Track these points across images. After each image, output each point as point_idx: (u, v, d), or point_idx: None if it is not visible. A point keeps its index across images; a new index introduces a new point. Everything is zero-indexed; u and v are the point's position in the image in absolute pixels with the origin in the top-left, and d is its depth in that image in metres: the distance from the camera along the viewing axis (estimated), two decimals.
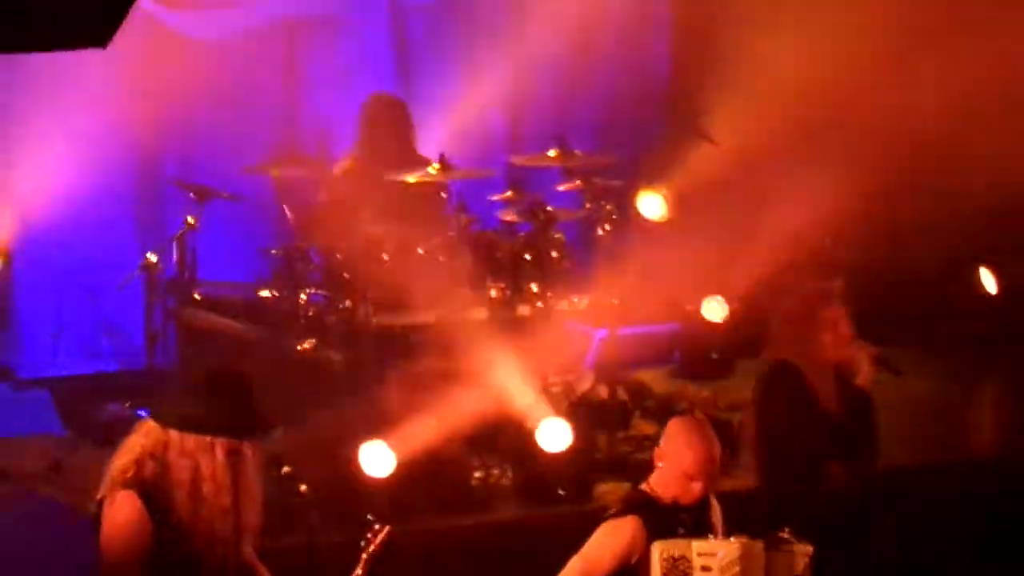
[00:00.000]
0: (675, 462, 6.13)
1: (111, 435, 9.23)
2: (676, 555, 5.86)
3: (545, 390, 8.99)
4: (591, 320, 9.82)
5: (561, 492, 8.48)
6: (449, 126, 10.50)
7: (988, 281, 10.26)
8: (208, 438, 5.48)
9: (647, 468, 8.69)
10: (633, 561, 6.01)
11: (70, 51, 5.33)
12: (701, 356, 10.34)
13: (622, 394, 9.44)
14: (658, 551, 5.88)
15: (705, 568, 5.85)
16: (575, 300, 9.42)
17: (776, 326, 7.38)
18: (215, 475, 5.50)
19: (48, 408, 9.78)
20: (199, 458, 5.49)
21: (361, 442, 8.26)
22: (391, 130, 9.80)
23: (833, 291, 7.26)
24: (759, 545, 5.91)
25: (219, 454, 5.50)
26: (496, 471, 8.69)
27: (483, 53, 10.94)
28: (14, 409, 9.78)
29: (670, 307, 10.35)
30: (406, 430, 8.49)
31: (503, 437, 8.81)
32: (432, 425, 8.65)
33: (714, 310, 9.85)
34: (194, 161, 10.50)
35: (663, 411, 9.34)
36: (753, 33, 10.74)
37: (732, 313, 9.84)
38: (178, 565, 5.53)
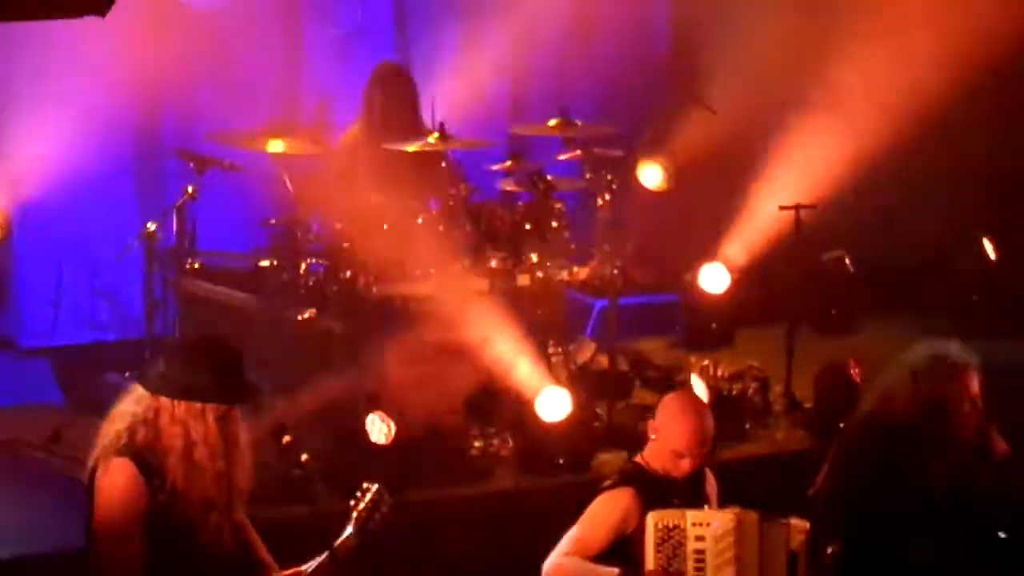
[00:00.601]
0: (666, 438, 6.14)
1: (111, 405, 9.34)
2: (670, 524, 5.88)
3: (545, 360, 9.00)
4: (591, 290, 9.83)
5: (560, 462, 8.48)
6: (449, 96, 10.46)
7: (988, 249, 10.30)
8: (199, 404, 5.51)
9: (646, 439, 8.78)
10: (629, 532, 6.02)
11: (69, 19, 5.31)
12: (702, 326, 10.35)
13: (622, 364, 9.45)
14: (652, 521, 5.90)
15: (699, 538, 5.85)
16: (575, 270, 9.41)
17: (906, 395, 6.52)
18: (207, 440, 5.52)
19: (48, 378, 9.79)
20: (190, 424, 5.52)
21: (361, 412, 8.27)
22: (399, 99, 9.77)
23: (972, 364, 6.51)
24: (754, 516, 5.91)
25: (210, 419, 5.52)
26: (496, 441, 8.70)
27: (483, 22, 10.91)
28: (14, 379, 9.79)
29: (671, 277, 10.37)
30: (406, 400, 8.49)
31: (502, 407, 8.81)
32: (432, 395, 8.66)
33: (714, 279, 9.85)
34: (193, 131, 10.48)
35: (664, 381, 9.36)
36: (751, 4, 10.74)
37: (733, 283, 9.84)
38: (172, 530, 5.55)
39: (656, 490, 6.09)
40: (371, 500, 5.65)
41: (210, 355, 5.59)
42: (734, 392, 9.15)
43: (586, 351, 9.44)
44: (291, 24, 10.95)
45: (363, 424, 8.15)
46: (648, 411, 8.85)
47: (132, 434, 5.54)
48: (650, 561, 5.92)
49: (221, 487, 5.57)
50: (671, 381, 9.31)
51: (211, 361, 5.56)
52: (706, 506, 6.10)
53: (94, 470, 5.57)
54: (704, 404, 6.31)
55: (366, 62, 10.12)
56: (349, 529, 5.65)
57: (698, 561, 5.87)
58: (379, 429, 8.10)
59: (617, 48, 11.42)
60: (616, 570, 5.94)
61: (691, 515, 5.91)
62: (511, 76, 11.27)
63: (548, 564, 6.10)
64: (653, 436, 6.21)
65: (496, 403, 8.81)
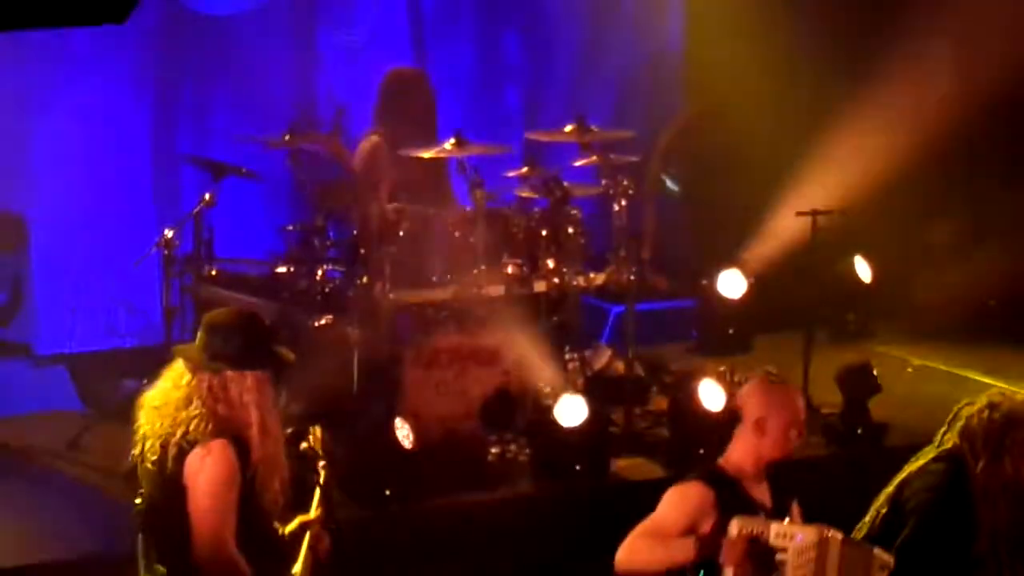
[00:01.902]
0: (776, 419, 6.00)
1: (129, 411, 9.35)
2: (755, 532, 5.80)
3: (561, 366, 9.00)
4: (608, 296, 9.83)
5: (577, 468, 8.47)
6: (465, 101, 10.49)
7: None
8: (263, 373, 5.61)
9: (664, 443, 8.79)
10: (702, 531, 5.96)
11: (88, 27, 5.33)
12: (719, 332, 10.34)
13: (639, 370, 9.44)
14: (737, 527, 5.82)
15: (781, 549, 5.79)
16: (591, 276, 9.41)
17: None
18: (273, 407, 5.65)
19: (65, 384, 9.80)
20: (259, 393, 5.62)
21: (379, 418, 8.27)
22: (415, 106, 9.77)
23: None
24: (838, 536, 5.83)
25: (268, 387, 5.64)
26: (513, 447, 8.69)
27: (499, 28, 10.93)
28: (31, 385, 9.80)
29: (687, 283, 10.36)
30: (422, 406, 8.50)
31: (519, 413, 8.81)
32: (448, 401, 8.66)
33: (731, 285, 9.84)
34: (210, 138, 10.51)
35: (679, 387, 9.34)
36: (764, 8, 10.75)
37: (749, 288, 9.83)
38: (251, 506, 5.59)
39: (732, 492, 5.98)
40: (328, 474, 5.77)
41: (259, 324, 5.73)
42: None
43: (602, 357, 9.44)
44: (306, 31, 10.97)
45: (382, 430, 8.15)
46: (664, 416, 8.92)
47: (214, 414, 5.58)
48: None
49: (281, 450, 5.67)
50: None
51: (262, 329, 5.71)
52: (787, 519, 6.03)
53: (176, 458, 5.55)
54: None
55: (382, 69, 10.13)
56: (318, 511, 5.77)
57: (777, 573, 5.82)
58: (404, 434, 8.11)
59: (632, 53, 11.43)
60: (691, 538, 5.86)
61: (775, 527, 5.81)
62: (527, 82, 11.28)
63: (622, 548, 5.99)
64: (745, 429, 6.03)
65: (513, 409, 8.81)
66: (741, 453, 6.04)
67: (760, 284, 9.89)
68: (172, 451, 5.58)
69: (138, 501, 5.74)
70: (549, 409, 8.50)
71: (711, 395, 8.61)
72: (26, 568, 7.44)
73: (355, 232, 9.10)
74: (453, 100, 10.76)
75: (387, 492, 8.02)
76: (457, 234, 9.17)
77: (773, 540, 5.78)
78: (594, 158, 9.62)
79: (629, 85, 11.42)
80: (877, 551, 5.91)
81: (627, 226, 9.45)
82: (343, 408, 8.38)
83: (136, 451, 5.76)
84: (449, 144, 9.15)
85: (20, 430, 9.11)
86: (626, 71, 11.44)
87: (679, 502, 5.95)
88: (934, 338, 10.43)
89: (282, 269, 9.24)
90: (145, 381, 9.19)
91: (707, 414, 8.52)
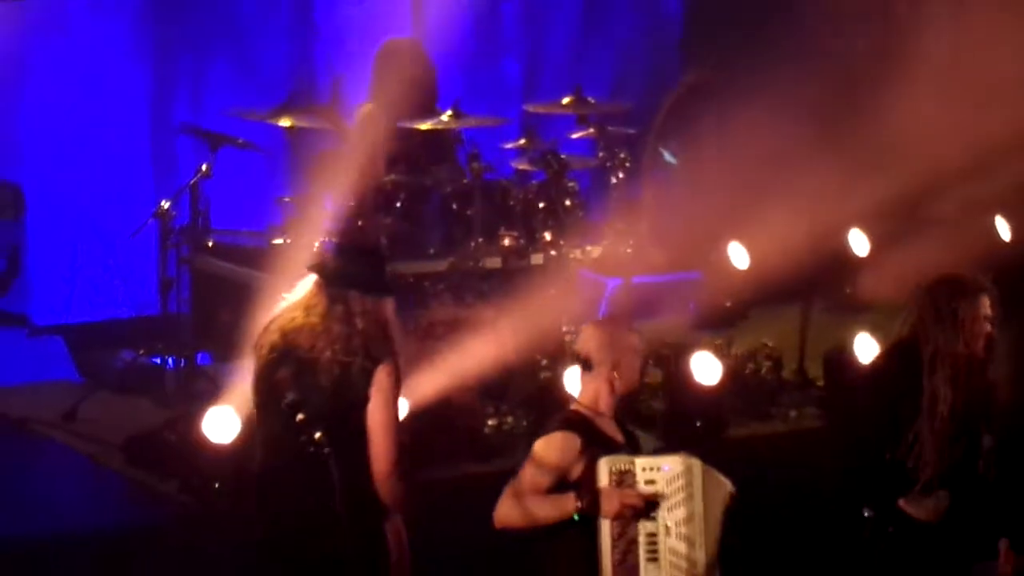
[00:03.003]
0: (620, 360, 6.16)
1: (125, 382, 9.37)
2: (623, 469, 5.95)
3: (558, 339, 9.00)
4: (604, 269, 9.83)
5: None
6: (463, 73, 10.47)
7: (1003, 229, 10.30)
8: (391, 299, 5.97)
9: (659, 416, 8.79)
10: (574, 475, 6.04)
11: None
12: (715, 305, 10.34)
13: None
14: (606, 466, 5.96)
15: (649, 482, 5.93)
16: (588, 249, 9.41)
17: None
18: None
19: (62, 355, 9.80)
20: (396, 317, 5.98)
21: None
22: (412, 76, 9.75)
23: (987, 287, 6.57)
24: (698, 461, 6.00)
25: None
26: (510, 419, 8.70)
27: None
28: (28, 356, 9.80)
29: (684, 256, 10.35)
30: (419, 378, 8.50)
31: (516, 385, 8.81)
32: (445, 373, 8.66)
33: (736, 257, 9.84)
34: (206, 109, 10.49)
35: (676, 360, 9.35)
36: None
37: (752, 261, 9.82)
38: None
39: (595, 437, 6.11)
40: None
41: (376, 249, 6.45)
42: (747, 371, 9.15)
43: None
44: (305, 2, 10.94)
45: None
46: (658, 390, 8.93)
47: (365, 334, 5.83)
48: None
49: None
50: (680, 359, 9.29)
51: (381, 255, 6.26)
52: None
53: (359, 373, 5.78)
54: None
55: (380, 39, 10.11)
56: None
57: (651, 503, 5.93)
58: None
59: (631, 25, 11.41)
60: (571, 495, 5.96)
61: (640, 461, 5.98)
62: (525, 53, 11.26)
63: (499, 504, 6.13)
64: (591, 371, 6.19)
65: (510, 381, 8.81)
66: (592, 395, 6.17)
67: (760, 257, 9.89)
68: (355, 367, 5.80)
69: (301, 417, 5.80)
70: (545, 381, 8.51)
71: (707, 368, 8.62)
72: (18, 540, 7.44)
73: (351, 203, 9.10)
74: (451, 72, 10.73)
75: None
76: (454, 206, 9.16)
77: (641, 474, 5.93)
78: (592, 130, 9.61)
79: (627, 57, 11.41)
80: (725, 479, 6.06)
81: (624, 198, 9.45)
82: None
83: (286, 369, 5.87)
84: (446, 116, 9.14)
85: (17, 400, 9.11)
86: (624, 43, 11.42)
87: (547, 453, 6.06)
88: None
89: (278, 240, 9.24)
90: (141, 352, 9.30)
91: (702, 387, 8.53)
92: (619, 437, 6.18)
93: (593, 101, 9.58)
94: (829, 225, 9.60)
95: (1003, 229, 10.32)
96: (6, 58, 9.96)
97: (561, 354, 8.73)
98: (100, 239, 10.35)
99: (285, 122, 9.38)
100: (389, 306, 5.92)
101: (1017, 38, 10.24)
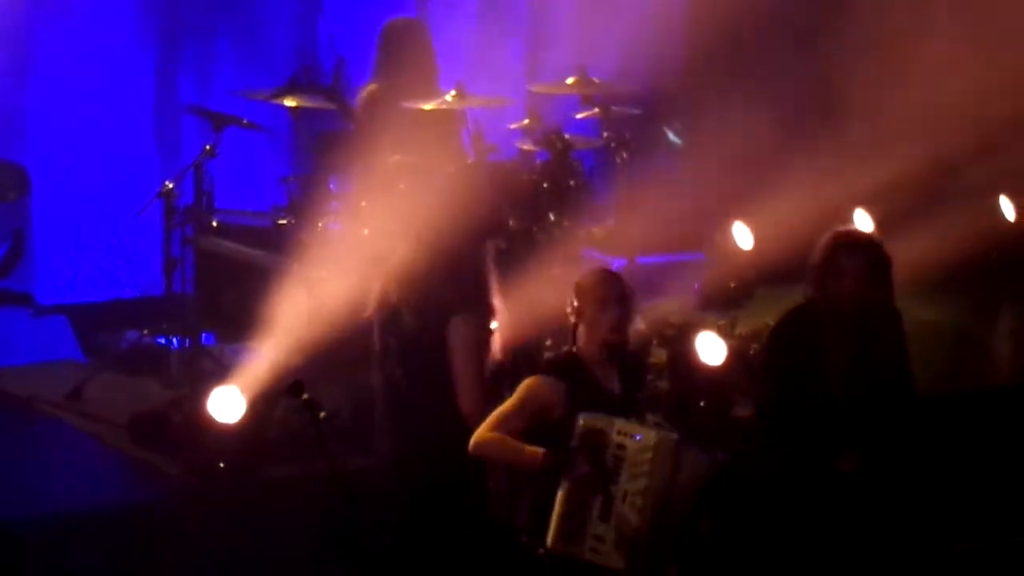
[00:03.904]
0: (608, 304, 6.37)
1: (130, 362, 9.38)
2: (597, 427, 6.02)
3: (562, 319, 8.98)
4: (609, 249, 9.82)
5: None
6: (467, 53, 10.45)
7: (1007, 209, 10.29)
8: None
9: (664, 396, 8.79)
10: (553, 419, 6.19)
11: None
12: (720, 285, 10.32)
13: (640, 323, 9.43)
14: (582, 420, 6.04)
15: (620, 446, 6.00)
16: (593, 229, 9.40)
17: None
18: None
19: (67, 334, 9.82)
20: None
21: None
22: (416, 56, 9.73)
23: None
24: (674, 438, 6.06)
25: None
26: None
27: None
28: (33, 335, 9.82)
29: (689, 236, 10.35)
30: None
31: (520, 365, 8.80)
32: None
33: (741, 237, 9.84)
34: (211, 89, 10.49)
35: (680, 339, 9.34)
36: None
37: (757, 242, 9.81)
38: None
39: (586, 384, 6.30)
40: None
41: None
42: (751, 351, 9.15)
43: None
44: None
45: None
46: (663, 370, 8.92)
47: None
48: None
49: None
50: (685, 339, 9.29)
51: None
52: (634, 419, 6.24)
53: (441, 325, 6.56)
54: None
55: (384, 19, 10.09)
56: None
57: (616, 467, 6.01)
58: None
59: (636, 5, 11.38)
60: (541, 451, 6.06)
61: (618, 424, 6.07)
62: (529, 33, 11.24)
63: (478, 432, 6.23)
64: (585, 319, 6.43)
65: (513, 361, 8.79)
66: (586, 340, 6.40)
67: (765, 237, 9.88)
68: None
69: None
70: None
71: (711, 348, 8.63)
72: (23, 521, 7.46)
73: (355, 184, 9.09)
74: (455, 52, 10.72)
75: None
76: (459, 186, 9.14)
77: (615, 436, 6.04)
78: (596, 110, 9.59)
79: (632, 37, 11.38)
80: (706, 460, 6.11)
81: (629, 179, 9.44)
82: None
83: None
84: (450, 96, 9.13)
85: (21, 380, 9.13)
86: (629, 23, 11.39)
87: (531, 395, 6.28)
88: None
89: (283, 221, 9.24)
90: (145, 332, 9.30)
91: (707, 367, 8.54)
92: (615, 386, 6.37)
93: (598, 81, 9.56)
94: (834, 205, 9.58)
95: (1007, 209, 10.31)
96: (11, 39, 9.96)
97: (564, 334, 8.72)
98: (104, 219, 10.35)
99: (290, 102, 9.36)
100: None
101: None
